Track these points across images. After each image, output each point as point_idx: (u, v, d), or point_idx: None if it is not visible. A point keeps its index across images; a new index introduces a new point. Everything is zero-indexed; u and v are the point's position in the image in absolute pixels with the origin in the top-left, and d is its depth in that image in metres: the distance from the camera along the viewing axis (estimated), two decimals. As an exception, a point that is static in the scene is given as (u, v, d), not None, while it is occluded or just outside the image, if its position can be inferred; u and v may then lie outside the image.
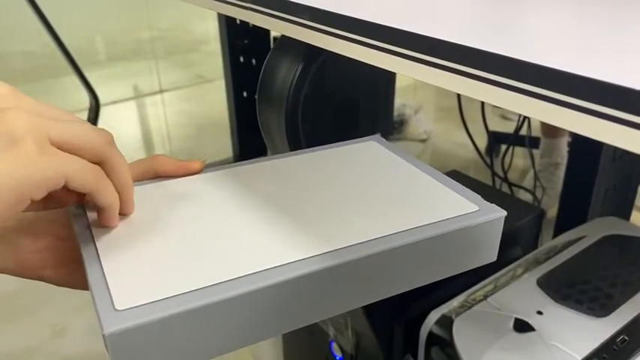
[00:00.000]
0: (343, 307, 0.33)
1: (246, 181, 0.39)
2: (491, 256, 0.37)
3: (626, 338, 0.48)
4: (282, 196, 0.37)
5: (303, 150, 0.44)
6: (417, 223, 0.34)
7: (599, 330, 0.48)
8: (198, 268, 0.30)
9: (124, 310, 0.27)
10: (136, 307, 0.27)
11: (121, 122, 2.13)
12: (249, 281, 0.29)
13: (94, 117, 1.57)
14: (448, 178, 0.39)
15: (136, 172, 0.38)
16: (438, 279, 0.35)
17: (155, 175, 0.39)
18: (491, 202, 0.36)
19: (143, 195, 0.36)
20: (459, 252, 0.35)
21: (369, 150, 0.44)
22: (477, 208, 0.35)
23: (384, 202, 0.36)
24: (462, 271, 0.36)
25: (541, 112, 0.23)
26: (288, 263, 0.30)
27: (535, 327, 0.49)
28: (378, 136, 0.46)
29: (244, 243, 0.32)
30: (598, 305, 0.51)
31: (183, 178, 0.39)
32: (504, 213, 0.35)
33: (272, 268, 0.30)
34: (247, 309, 0.29)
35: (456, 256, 0.35)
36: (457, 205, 0.36)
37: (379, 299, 0.33)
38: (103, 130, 0.31)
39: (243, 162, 0.42)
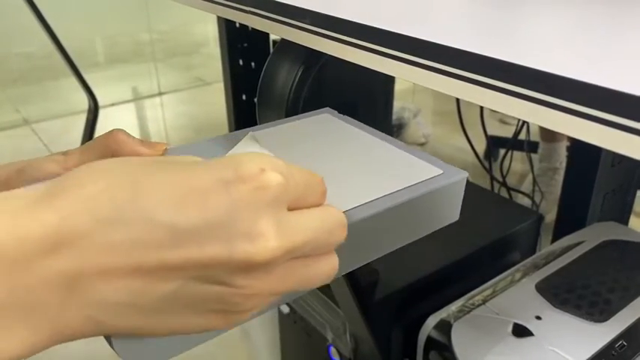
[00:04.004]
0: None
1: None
2: (454, 216, 0.37)
3: (625, 344, 0.48)
4: None
5: (256, 126, 0.43)
6: (385, 191, 0.33)
7: (598, 335, 0.48)
8: None
9: None
10: None
11: (120, 124, 2.11)
12: None
13: (92, 119, 1.57)
14: (409, 146, 0.39)
15: (93, 157, 0.34)
16: (405, 244, 0.35)
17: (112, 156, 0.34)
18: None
19: None
20: (425, 215, 0.35)
21: (324, 122, 0.43)
22: (441, 172, 0.36)
23: (350, 172, 0.36)
24: (427, 234, 0.36)
25: (540, 116, 0.23)
26: None
27: (534, 332, 0.49)
28: (328, 108, 0.46)
29: None
30: (597, 310, 0.51)
31: None
32: (466, 174, 0.36)
33: None
34: None
35: (422, 220, 0.35)
36: (421, 170, 0.36)
37: (347, 272, 0.33)
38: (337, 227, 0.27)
39: (204, 139, 0.40)
